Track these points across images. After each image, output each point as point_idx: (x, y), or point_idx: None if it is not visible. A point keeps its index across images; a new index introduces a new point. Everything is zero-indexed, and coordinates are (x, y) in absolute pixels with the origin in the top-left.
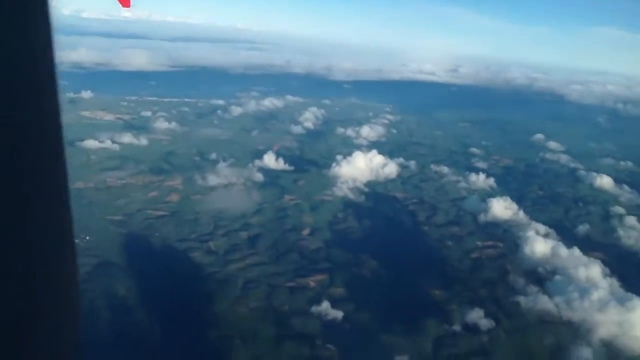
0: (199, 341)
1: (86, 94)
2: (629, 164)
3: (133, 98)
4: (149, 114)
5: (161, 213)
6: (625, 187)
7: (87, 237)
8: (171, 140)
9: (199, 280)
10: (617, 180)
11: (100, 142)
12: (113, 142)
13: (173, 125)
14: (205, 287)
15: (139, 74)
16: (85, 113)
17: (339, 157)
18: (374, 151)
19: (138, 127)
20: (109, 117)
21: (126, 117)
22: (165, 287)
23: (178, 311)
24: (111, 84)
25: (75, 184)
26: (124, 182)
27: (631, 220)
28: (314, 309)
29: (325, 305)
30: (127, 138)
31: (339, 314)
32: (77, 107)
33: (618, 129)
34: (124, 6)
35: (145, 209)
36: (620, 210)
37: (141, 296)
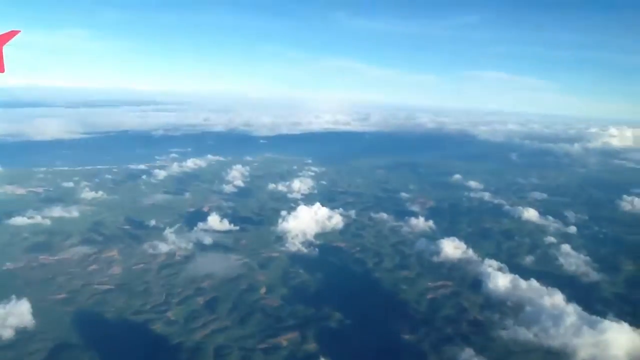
0: None
1: None
2: (544, 195)
3: (42, 169)
4: (70, 184)
5: (107, 287)
6: (550, 217)
7: (34, 321)
8: (101, 210)
9: (168, 352)
10: (541, 213)
11: (29, 218)
12: (43, 217)
13: (100, 194)
14: (177, 359)
15: (49, 143)
16: None
17: (283, 212)
18: (318, 204)
19: (61, 199)
20: (20, 191)
21: (39, 190)
22: None
23: None
24: (19, 155)
25: (4, 266)
26: (56, 258)
27: (566, 247)
28: None
29: None
30: (56, 212)
31: None
32: None
33: (529, 164)
34: None
35: (89, 284)
36: (552, 239)
37: None
